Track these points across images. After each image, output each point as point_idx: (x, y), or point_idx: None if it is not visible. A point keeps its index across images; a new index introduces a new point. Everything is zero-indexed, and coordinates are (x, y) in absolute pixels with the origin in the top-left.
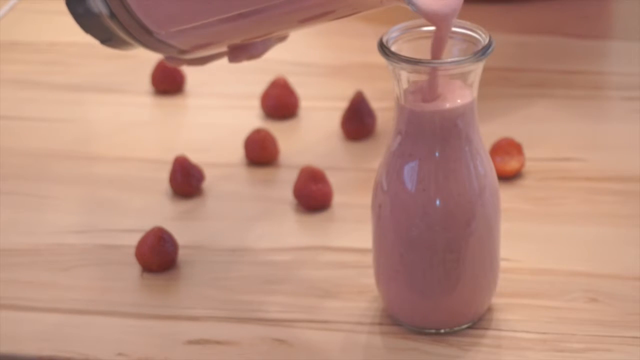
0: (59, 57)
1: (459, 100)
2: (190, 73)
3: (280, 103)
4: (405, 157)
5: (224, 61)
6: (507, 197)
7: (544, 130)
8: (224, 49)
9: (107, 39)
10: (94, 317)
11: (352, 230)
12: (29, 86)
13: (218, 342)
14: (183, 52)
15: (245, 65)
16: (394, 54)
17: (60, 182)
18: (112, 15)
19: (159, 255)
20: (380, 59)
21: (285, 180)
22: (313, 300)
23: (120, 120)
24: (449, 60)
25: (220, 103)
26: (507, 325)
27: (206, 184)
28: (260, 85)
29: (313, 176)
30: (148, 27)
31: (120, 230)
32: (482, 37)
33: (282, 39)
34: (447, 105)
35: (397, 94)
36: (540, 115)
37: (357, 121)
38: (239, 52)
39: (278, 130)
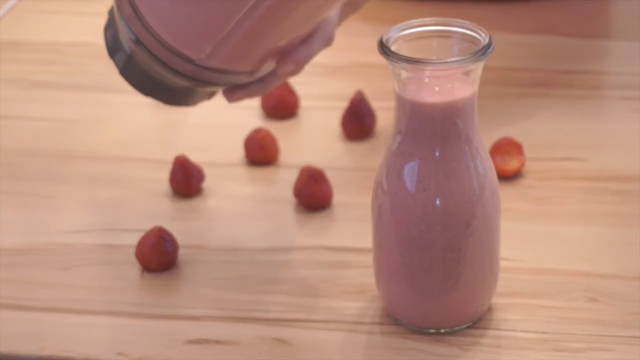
0: (59, 57)
1: (459, 93)
2: None
3: (280, 103)
4: (405, 157)
5: None
6: (507, 197)
7: (544, 130)
8: (271, 63)
9: (170, 95)
10: (94, 317)
11: (352, 230)
12: (29, 86)
13: (218, 342)
14: (231, 74)
15: None
16: (394, 53)
17: (60, 182)
18: (138, 42)
19: (159, 255)
20: (380, 59)
21: (285, 180)
22: (313, 300)
23: (120, 120)
24: (449, 60)
25: (220, 103)
26: (507, 325)
27: (206, 184)
28: None
29: (313, 176)
30: (184, 53)
31: (120, 230)
32: (483, 37)
33: (328, 43)
34: (448, 98)
35: (397, 90)
36: (540, 115)
37: (357, 121)
38: (284, 61)
39: (278, 130)
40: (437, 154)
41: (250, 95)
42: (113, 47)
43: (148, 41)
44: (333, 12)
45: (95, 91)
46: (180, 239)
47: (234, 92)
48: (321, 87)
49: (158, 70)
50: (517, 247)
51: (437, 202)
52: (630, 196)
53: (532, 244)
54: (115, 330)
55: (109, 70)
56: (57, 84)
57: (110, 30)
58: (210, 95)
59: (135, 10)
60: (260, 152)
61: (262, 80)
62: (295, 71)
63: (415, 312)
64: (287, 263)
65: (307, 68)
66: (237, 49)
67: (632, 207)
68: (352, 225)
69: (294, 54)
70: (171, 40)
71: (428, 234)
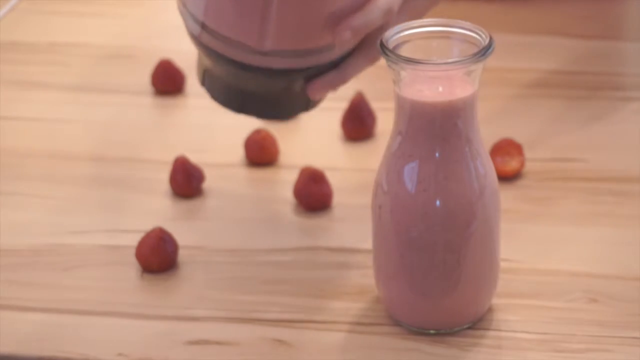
0: (59, 57)
1: (459, 93)
2: (191, 73)
3: None
4: (405, 158)
5: None
6: (507, 198)
7: (544, 130)
8: (328, 37)
9: (260, 104)
10: (94, 317)
11: (352, 230)
12: (29, 86)
13: (218, 342)
14: (295, 56)
15: None
16: (394, 53)
17: (60, 182)
18: (204, 30)
19: (159, 256)
20: (380, 59)
21: (285, 180)
22: (313, 300)
23: (120, 120)
24: (450, 60)
25: None
26: (507, 325)
27: (206, 184)
28: None
29: (313, 176)
30: (241, 41)
31: (120, 231)
32: (483, 38)
33: (387, 14)
34: (448, 97)
35: (397, 90)
36: (540, 115)
37: (357, 121)
38: (340, 28)
39: (278, 130)
40: (437, 154)
41: (331, 85)
42: (199, 70)
43: (213, 44)
44: None
45: (95, 91)
46: (180, 240)
47: (314, 85)
48: None
49: (233, 71)
50: (517, 247)
51: (437, 202)
52: (630, 197)
53: (532, 244)
54: (115, 330)
55: (109, 71)
56: (57, 84)
57: (197, 58)
58: (307, 104)
59: (191, 14)
60: (260, 153)
61: (337, 67)
62: (368, 57)
63: (416, 313)
64: (287, 264)
65: None
66: (289, 22)
67: (632, 208)
68: (352, 226)
69: (349, 20)
70: (227, 33)
71: (428, 234)
